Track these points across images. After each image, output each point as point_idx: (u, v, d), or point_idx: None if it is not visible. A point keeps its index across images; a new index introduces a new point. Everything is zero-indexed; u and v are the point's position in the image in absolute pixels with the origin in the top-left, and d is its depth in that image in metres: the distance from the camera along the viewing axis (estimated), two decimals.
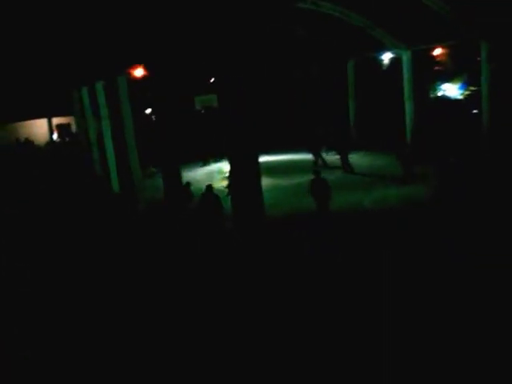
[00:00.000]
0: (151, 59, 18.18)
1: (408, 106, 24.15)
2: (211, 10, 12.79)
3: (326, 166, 21.77)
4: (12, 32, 22.83)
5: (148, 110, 35.42)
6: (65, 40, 20.74)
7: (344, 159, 21.25)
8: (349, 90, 27.74)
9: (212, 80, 29.57)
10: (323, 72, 29.87)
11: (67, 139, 35.54)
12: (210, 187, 13.95)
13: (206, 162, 26.66)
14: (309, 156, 23.41)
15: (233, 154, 13.89)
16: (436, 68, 31.37)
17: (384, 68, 28.90)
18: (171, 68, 17.31)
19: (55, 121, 36.34)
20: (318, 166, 20.43)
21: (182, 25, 16.83)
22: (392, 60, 27.52)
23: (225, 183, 18.78)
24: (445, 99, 29.03)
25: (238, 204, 13.73)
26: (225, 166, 19.22)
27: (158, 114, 21.20)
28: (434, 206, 14.46)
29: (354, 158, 22.23)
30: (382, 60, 27.92)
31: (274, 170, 22.69)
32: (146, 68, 20.34)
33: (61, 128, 37.40)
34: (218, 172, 22.75)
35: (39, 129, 36.27)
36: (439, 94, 30.16)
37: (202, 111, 29.02)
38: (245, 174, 13.63)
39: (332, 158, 22.49)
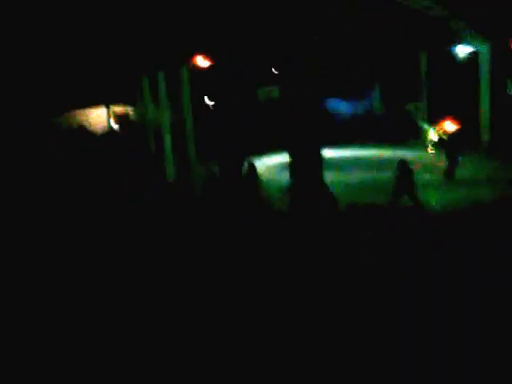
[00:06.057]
0: (215, 48, 17.70)
1: (483, 103, 22.45)
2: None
3: None
4: (76, 21, 23.02)
5: (206, 100, 34.98)
6: (128, 30, 20.68)
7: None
8: (422, 83, 26.36)
9: (274, 71, 28.67)
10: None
11: (126, 128, 35.90)
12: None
13: None
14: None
15: (294, 147, 13.18)
16: None
17: (459, 61, 27.09)
18: (234, 57, 16.81)
19: (114, 110, 36.75)
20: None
21: (246, 14, 16.32)
22: (468, 53, 25.75)
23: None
24: None
25: (300, 199, 13.03)
26: None
27: (216, 103, 20.94)
28: None
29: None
30: (456, 53, 26.18)
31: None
32: (208, 57, 19.85)
33: (119, 117, 37.87)
34: None
35: (97, 117, 36.88)
36: None
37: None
38: (307, 169, 12.89)
39: None
